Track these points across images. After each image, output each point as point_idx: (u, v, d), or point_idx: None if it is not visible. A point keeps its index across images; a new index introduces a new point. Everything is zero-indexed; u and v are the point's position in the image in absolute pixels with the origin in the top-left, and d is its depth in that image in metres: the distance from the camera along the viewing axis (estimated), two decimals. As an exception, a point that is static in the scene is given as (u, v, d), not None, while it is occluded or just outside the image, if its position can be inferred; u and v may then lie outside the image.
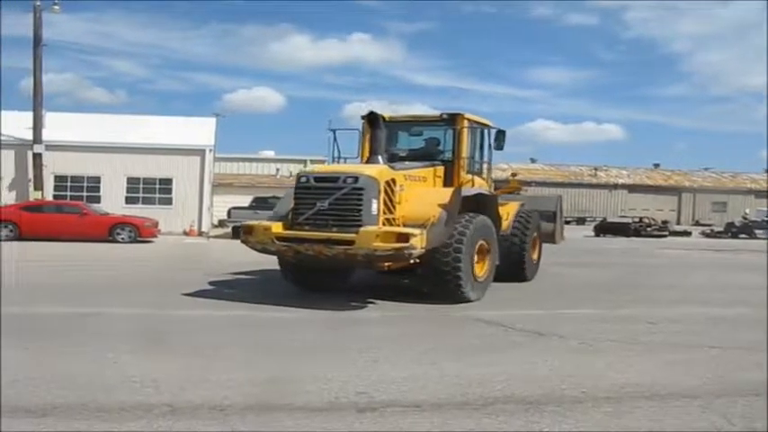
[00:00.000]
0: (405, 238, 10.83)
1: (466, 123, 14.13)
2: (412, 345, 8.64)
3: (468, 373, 7.07)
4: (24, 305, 10.98)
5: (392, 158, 13.47)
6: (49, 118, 36.68)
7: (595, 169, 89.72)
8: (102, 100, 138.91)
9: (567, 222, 73.56)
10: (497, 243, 13.37)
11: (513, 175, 19.88)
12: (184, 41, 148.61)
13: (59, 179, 36.16)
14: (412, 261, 11.39)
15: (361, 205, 11.39)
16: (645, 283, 17.11)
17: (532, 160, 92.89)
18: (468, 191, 13.01)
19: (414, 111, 14.86)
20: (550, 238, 17.79)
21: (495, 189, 16.24)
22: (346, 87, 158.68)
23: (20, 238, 27.44)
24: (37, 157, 34.97)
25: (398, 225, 11.63)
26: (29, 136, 35.04)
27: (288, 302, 11.44)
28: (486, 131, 15.15)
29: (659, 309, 12.06)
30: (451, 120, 14.17)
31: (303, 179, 12.11)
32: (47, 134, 35.30)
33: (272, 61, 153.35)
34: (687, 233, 55.35)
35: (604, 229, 50.49)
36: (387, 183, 11.70)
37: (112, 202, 34.64)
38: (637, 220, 52.63)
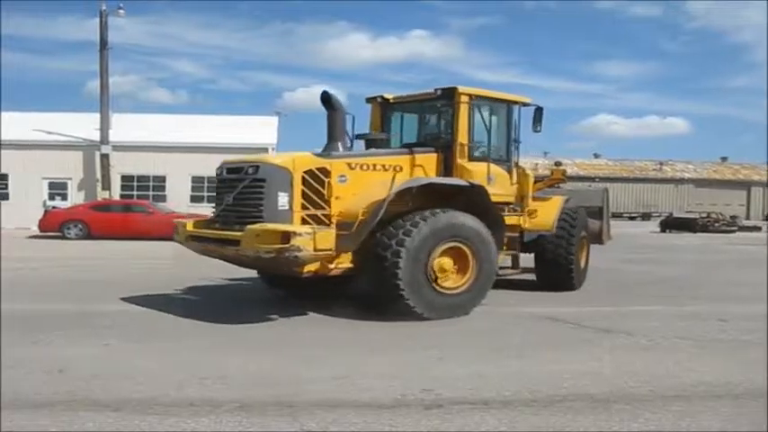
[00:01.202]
0: (286, 237, 9.22)
1: (464, 99, 11.66)
2: (476, 342, 8.62)
3: (534, 371, 7.03)
4: (97, 303, 11.27)
5: (371, 144, 11.86)
6: (115, 119, 37.52)
7: (660, 164, 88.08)
8: (164, 100, 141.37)
9: (633, 218, 72.82)
10: (495, 246, 10.85)
11: (557, 164, 16.83)
12: (245, 41, 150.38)
13: (126, 179, 37.07)
14: (332, 267, 9.99)
15: (261, 199, 10.01)
16: (713, 279, 16.76)
17: (596, 156, 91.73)
18: (413, 182, 10.61)
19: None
20: (597, 237, 15.48)
21: (536, 182, 13.90)
22: (406, 84, 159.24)
23: (89, 236, 28.14)
24: (104, 157, 35.88)
25: (332, 224, 10.05)
26: (96, 137, 35.88)
27: (349, 301, 11.42)
28: (510, 109, 12.62)
29: (729, 306, 11.80)
30: (447, 96, 11.85)
31: (218, 171, 10.97)
32: (113, 135, 36.12)
33: (331, 59, 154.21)
34: (757, 228, 53.98)
35: (670, 224, 49.51)
36: (308, 173, 10.08)
37: (178, 200, 35.28)
38: (704, 215, 51.52)
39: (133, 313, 10.41)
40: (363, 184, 10.57)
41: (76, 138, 36.70)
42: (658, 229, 48.89)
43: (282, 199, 9.92)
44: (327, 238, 9.44)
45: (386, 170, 10.91)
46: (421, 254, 9.90)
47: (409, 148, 11.77)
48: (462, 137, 11.70)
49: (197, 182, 36.94)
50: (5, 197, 36.05)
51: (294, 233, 9.15)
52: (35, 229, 29.63)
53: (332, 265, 9.99)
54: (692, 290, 14.30)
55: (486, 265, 10.66)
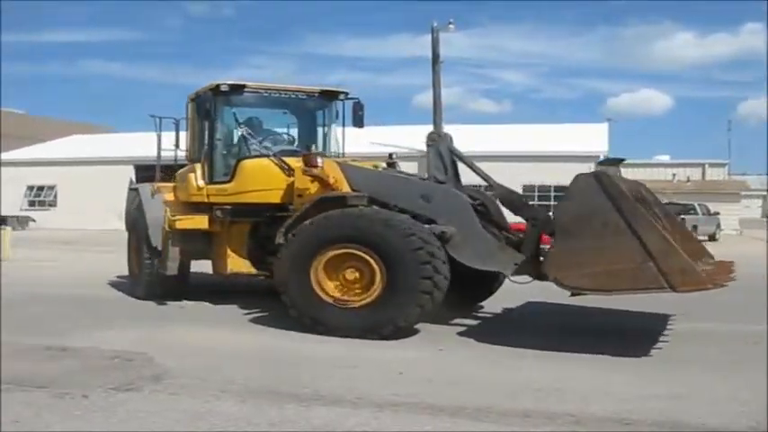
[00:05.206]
0: None
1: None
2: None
3: None
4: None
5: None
6: (445, 130, 38.94)
7: None
8: (488, 110, 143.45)
9: None
10: None
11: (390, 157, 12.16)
12: (569, 48, 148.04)
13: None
14: None
15: None
16: None
17: None
18: None
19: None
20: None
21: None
22: (739, 84, 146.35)
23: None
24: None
25: None
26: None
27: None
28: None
29: None
30: None
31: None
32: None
33: (656, 61, 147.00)
34: None
35: None
36: None
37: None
38: None
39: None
40: None
41: (410, 149, 38.52)
42: None
43: None
44: None
45: None
46: None
47: None
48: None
49: (527, 191, 37.07)
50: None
51: None
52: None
53: None
54: None
55: None
